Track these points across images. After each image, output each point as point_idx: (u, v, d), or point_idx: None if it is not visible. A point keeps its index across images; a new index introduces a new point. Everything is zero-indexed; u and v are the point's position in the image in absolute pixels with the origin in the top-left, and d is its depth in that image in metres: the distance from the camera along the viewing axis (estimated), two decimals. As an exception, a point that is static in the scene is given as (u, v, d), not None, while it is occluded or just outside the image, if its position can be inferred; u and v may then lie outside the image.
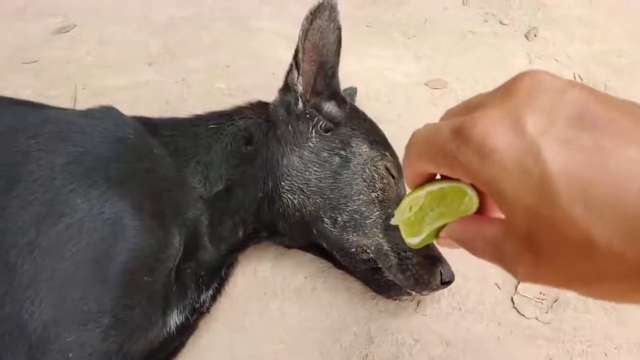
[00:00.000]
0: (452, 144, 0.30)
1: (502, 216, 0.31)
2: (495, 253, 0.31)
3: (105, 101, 0.77)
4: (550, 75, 0.29)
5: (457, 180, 0.37)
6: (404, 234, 0.42)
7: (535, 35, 1.42)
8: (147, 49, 1.28)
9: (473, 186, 0.36)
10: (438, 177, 0.38)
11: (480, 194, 0.36)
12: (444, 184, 0.37)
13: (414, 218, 0.40)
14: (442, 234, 0.38)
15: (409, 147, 0.36)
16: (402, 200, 0.40)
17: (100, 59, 1.25)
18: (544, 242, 0.27)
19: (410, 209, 0.40)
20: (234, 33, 1.35)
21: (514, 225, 0.29)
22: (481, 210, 0.36)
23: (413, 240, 0.41)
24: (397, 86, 1.24)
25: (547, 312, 0.86)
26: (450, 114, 0.35)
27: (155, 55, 1.27)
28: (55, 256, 0.58)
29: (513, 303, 0.86)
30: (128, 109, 0.77)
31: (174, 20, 1.36)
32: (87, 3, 1.40)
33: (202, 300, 0.75)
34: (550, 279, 0.29)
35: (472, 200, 0.36)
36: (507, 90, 0.30)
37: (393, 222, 0.42)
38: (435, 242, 0.40)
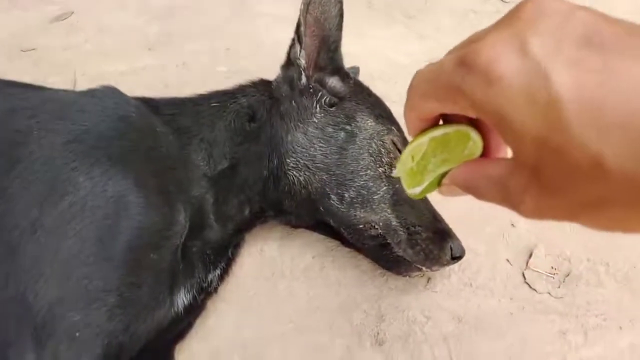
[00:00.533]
0: (456, 74, 0.29)
1: (507, 157, 0.30)
2: (500, 192, 0.31)
3: (105, 86, 0.76)
4: (554, 0, 0.28)
5: (461, 124, 0.36)
6: (405, 185, 0.41)
7: (539, 13, 1.40)
8: (146, 35, 1.26)
9: (477, 130, 0.35)
10: (440, 123, 0.37)
11: (484, 138, 0.35)
12: (448, 129, 0.36)
13: (416, 167, 0.39)
14: (444, 180, 0.37)
15: (411, 88, 0.35)
16: (404, 150, 0.39)
17: (99, 46, 1.23)
18: (552, 171, 0.26)
19: (413, 158, 0.38)
20: (234, 17, 1.33)
21: (520, 157, 0.28)
22: (485, 154, 0.36)
23: (414, 190, 0.40)
24: (400, 66, 1.23)
25: (559, 287, 0.84)
26: (452, 51, 0.34)
27: (155, 40, 1.25)
28: (58, 235, 0.57)
29: (524, 278, 0.85)
30: (128, 94, 0.76)
31: (173, 6, 1.35)
32: (84, -10, 1.39)
33: (209, 280, 0.74)
34: (557, 209, 0.28)
35: (476, 145, 0.35)
36: (510, 17, 0.29)
37: (394, 174, 0.41)
38: (437, 190, 0.39)
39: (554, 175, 0.26)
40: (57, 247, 0.57)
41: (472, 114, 0.31)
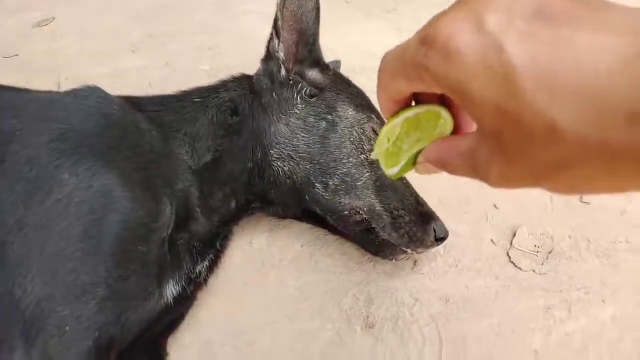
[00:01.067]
0: (420, 52, 0.30)
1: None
2: (470, 164, 0.32)
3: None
4: None
5: (432, 104, 0.37)
6: (383, 166, 0.42)
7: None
8: (129, 37, 1.27)
9: (447, 109, 0.37)
10: (413, 105, 0.39)
11: (454, 116, 0.37)
12: (419, 109, 0.37)
13: (392, 148, 0.40)
14: (419, 159, 0.39)
15: (380, 70, 0.36)
16: (380, 132, 0.40)
17: (82, 50, 1.24)
18: (512, 139, 0.27)
19: (389, 139, 0.40)
20: (217, 16, 1.34)
21: (483, 127, 0.30)
22: (456, 132, 0.37)
23: (392, 170, 0.41)
24: (379, 59, 1.24)
25: (542, 264, 0.86)
26: (419, 31, 0.35)
27: (138, 42, 1.26)
28: (45, 232, 0.58)
29: (509, 257, 0.87)
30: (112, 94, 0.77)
31: (155, 7, 1.36)
32: (65, -5, 1.39)
33: (197, 271, 0.75)
34: (522, 176, 0.29)
35: (447, 123, 0.37)
36: None
37: (373, 156, 0.43)
38: (414, 169, 0.41)
39: (515, 143, 0.28)
40: (44, 244, 0.58)
41: (438, 90, 0.32)
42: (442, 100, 0.37)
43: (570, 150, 0.26)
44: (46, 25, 1.30)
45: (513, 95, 0.26)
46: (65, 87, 1.14)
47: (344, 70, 1.15)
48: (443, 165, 0.36)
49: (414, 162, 0.40)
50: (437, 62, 0.29)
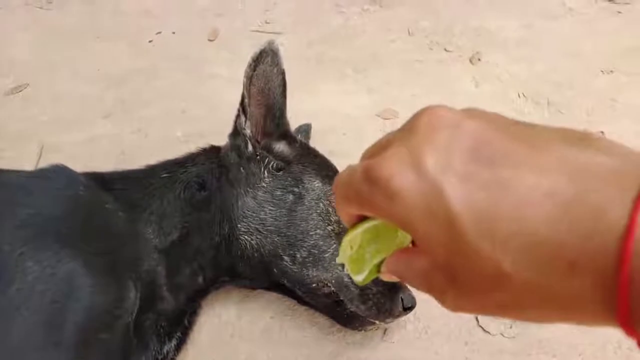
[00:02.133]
0: (363, 186, 0.31)
1: None
2: (425, 284, 0.32)
3: (62, 157, 0.78)
4: (447, 110, 0.30)
5: None
6: (350, 271, 0.42)
7: (479, 60, 1.48)
8: (101, 103, 1.29)
9: None
10: None
11: None
12: (377, 221, 0.38)
13: (355, 256, 0.41)
14: (382, 268, 0.39)
15: (334, 191, 0.37)
16: (343, 239, 0.41)
17: (55, 116, 1.25)
18: (462, 276, 0.28)
19: (351, 247, 0.40)
20: (188, 80, 1.37)
21: (434, 260, 0.30)
22: (414, 244, 0.37)
23: (358, 277, 0.42)
24: (350, 119, 1.28)
25: (510, 327, 0.87)
26: (366, 154, 0.36)
27: (110, 107, 1.27)
28: (7, 322, 0.58)
29: (478, 321, 0.88)
30: (85, 163, 0.78)
31: (128, 72, 1.38)
32: (38, 62, 1.41)
33: (165, 351, 0.74)
34: (475, 308, 0.29)
35: (404, 234, 0.37)
36: (408, 129, 0.30)
37: (338, 260, 0.43)
38: (380, 276, 0.41)
39: (465, 280, 0.28)
40: (6, 333, 0.57)
41: (385, 221, 0.32)
42: None
43: (520, 294, 0.26)
44: (19, 92, 1.31)
45: (457, 239, 0.26)
46: (37, 155, 1.14)
47: (315, 132, 1.18)
48: (401, 279, 0.36)
49: (378, 270, 0.40)
50: (380, 200, 0.29)
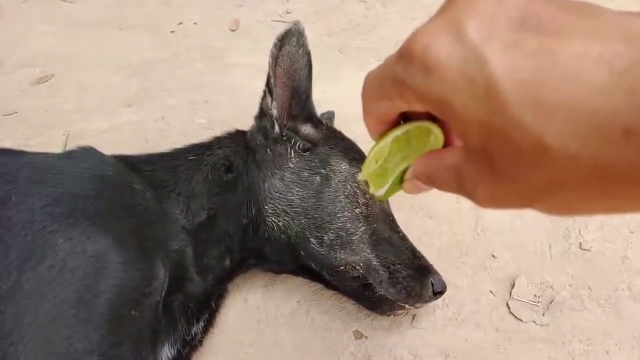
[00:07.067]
0: (398, 67, 0.29)
1: None
2: (456, 180, 0.30)
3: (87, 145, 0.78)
4: None
5: (421, 120, 0.36)
6: (371, 188, 0.41)
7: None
8: (125, 92, 1.29)
9: (438, 124, 0.35)
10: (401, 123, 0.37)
11: (445, 131, 0.35)
12: (408, 126, 0.36)
13: (379, 170, 0.39)
14: (406, 175, 0.37)
15: (363, 91, 0.34)
16: (368, 154, 0.39)
17: (80, 105, 1.26)
18: (499, 157, 0.26)
19: (376, 161, 0.39)
20: (211, 70, 1.37)
21: (469, 144, 0.28)
22: (446, 146, 0.36)
23: (380, 191, 0.40)
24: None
25: (543, 315, 0.85)
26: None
27: (134, 96, 1.28)
28: (38, 299, 0.57)
29: (509, 308, 0.86)
30: (109, 151, 0.78)
31: (150, 62, 1.39)
32: (64, 52, 1.42)
33: (193, 333, 0.74)
34: (511, 197, 0.27)
35: (437, 138, 0.36)
36: (447, 4, 0.28)
37: (359, 177, 0.42)
38: (402, 189, 0.39)
39: (502, 162, 0.26)
40: (37, 311, 0.57)
41: (420, 108, 0.30)
42: (432, 116, 0.35)
43: (563, 170, 0.24)
44: (45, 81, 1.32)
45: (497, 111, 0.24)
46: (63, 143, 1.15)
47: (338, 120, 1.17)
48: (430, 180, 0.34)
49: (400, 182, 0.39)
50: (416, 76, 0.27)
